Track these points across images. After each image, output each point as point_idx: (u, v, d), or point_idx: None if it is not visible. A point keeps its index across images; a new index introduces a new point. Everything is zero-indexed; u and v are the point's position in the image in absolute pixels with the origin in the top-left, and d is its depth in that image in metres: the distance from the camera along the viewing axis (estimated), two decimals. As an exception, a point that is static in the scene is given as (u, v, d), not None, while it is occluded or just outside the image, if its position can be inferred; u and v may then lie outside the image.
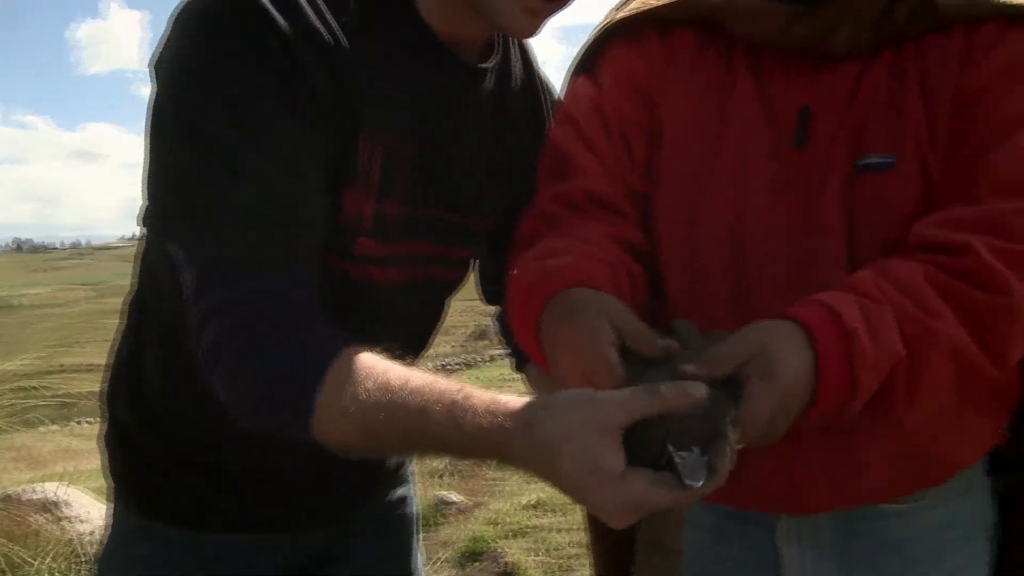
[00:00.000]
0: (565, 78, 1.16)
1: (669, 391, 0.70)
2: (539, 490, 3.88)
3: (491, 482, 4.20)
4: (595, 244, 0.95)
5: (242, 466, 1.04)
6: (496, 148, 1.07)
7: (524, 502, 3.80)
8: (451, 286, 1.13)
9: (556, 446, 0.68)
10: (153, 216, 0.85)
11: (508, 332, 1.21)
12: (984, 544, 1.06)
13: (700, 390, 0.70)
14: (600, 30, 1.09)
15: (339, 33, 0.85)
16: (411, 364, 0.81)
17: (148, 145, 0.84)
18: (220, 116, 0.79)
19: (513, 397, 0.74)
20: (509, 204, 1.07)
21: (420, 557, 1.29)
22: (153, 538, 1.06)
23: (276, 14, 0.79)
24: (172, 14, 0.85)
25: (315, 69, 0.82)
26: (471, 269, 1.16)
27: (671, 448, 0.69)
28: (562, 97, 1.14)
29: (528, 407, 0.72)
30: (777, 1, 0.95)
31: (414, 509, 1.29)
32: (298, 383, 0.77)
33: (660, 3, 1.04)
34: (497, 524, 3.54)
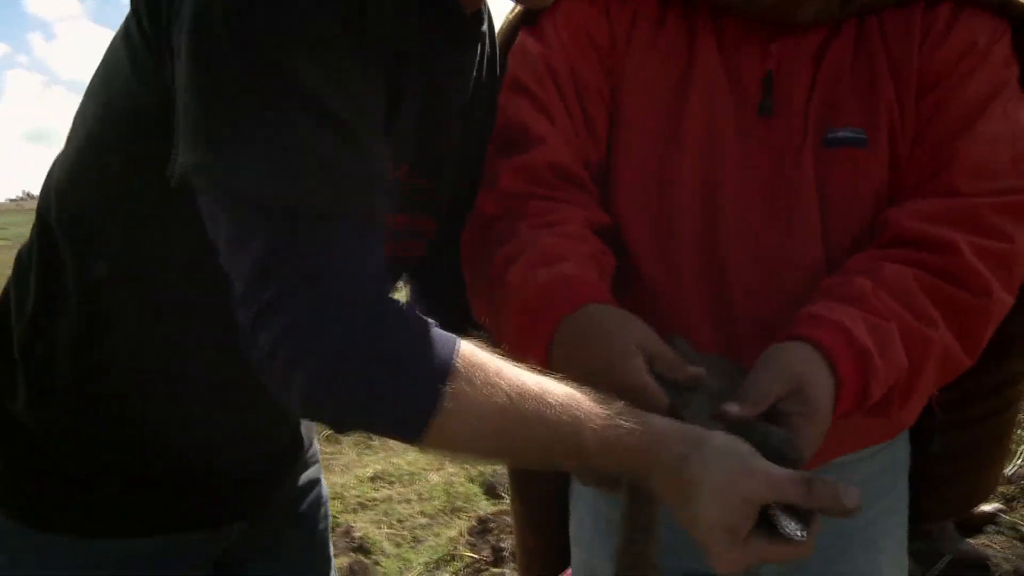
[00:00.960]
0: (505, 28, 1.09)
1: (823, 489, 0.70)
2: (377, 462, 3.83)
3: (327, 456, 4.10)
4: (581, 240, 0.94)
5: (158, 462, 0.92)
6: (471, 112, 1.00)
7: (364, 475, 3.74)
8: (412, 265, 1.03)
9: (700, 492, 0.69)
10: (197, 162, 0.67)
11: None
12: (904, 484, 1.15)
13: (853, 499, 0.71)
14: None
15: None
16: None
17: (189, 81, 0.67)
18: (300, 52, 0.66)
19: (661, 420, 0.74)
20: (465, 175, 1.02)
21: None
22: (52, 555, 0.92)
23: None
24: None
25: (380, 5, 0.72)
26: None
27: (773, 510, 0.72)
28: (502, 50, 1.08)
29: (683, 438, 0.72)
30: None
31: (324, 491, 1.23)
32: (421, 379, 0.66)
33: None
34: (342, 499, 3.46)
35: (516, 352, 0.93)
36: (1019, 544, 2.57)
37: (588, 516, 1.19)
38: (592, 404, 0.71)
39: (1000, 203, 0.91)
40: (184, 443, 0.91)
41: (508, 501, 3.46)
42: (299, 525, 1.17)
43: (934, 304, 0.88)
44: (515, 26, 1.08)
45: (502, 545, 2.90)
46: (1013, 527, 2.62)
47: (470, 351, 0.69)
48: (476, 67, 0.98)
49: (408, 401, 0.66)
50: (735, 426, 0.78)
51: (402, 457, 3.81)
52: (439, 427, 0.66)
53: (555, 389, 0.71)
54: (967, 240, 0.89)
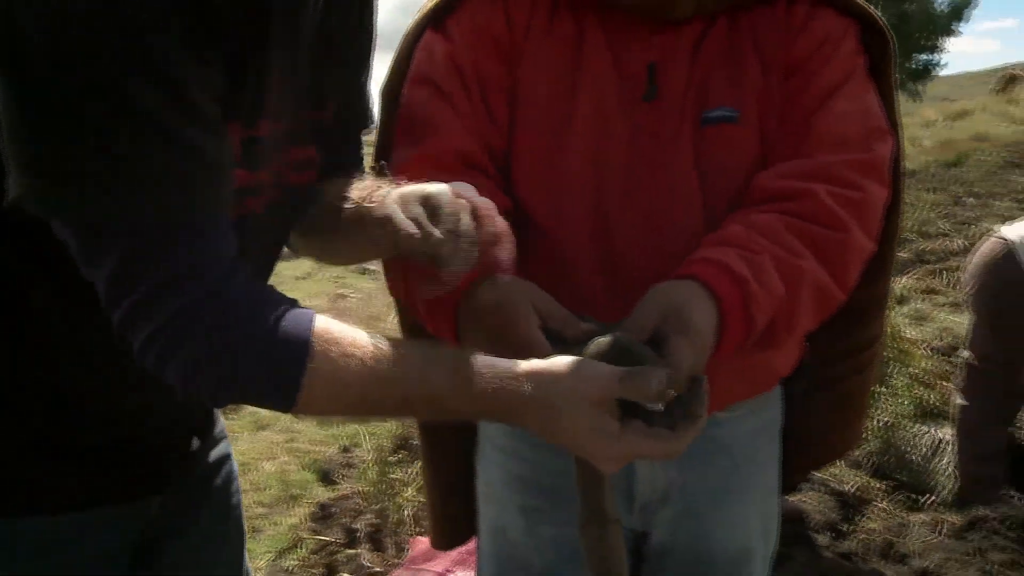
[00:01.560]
0: (411, 27, 1.16)
1: (634, 379, 0.76)
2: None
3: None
4: None
5: (76, 433, 0.88)
6: (328, 34, 0.97)
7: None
8: (302, 192, 1.01)
9: (556, 412, 0.75)
10: (33, 187, 0.66)
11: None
12: (777, 441, 1.27)
13: (661, 382, 0.76)
14: None
15: None
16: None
17: (9, 103, 0.64)
18: (124, 65, 0.64)
19: (509, 361, 0.78)
20: (340, 92, 1.02)
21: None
22: None
23: None
24: None
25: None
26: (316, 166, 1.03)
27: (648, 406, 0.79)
28: (407, 48, 1.14)
29: (530, 375, 0.76)
30: None
31: (234, 467, 1.20)
32: (282, 362, 0.71)
33: None
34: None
35: (429, 323, 1.04)
36: (829, 498, 2.82)
37: (497, 473, 1.23)
38: (445, 358, 0.77)
39: (851, 160, 1.04)
40: (101, 412, 0.89)
41: (343, 487, 3.43)
42: (213, 500, 1.14)
43: (800, 240, 0.98)
44: (422, 25, 1.14)
45: (355, 527, 2.84)
46: (823, 483, 2.87)
47: (324, 327, 0.74)
48: None
49: (272, 383, 0.72)
50: (617, 355, 0.83)
51: (234, 447, 3.66)
52: (306, 399, 0.73)
53: (410, 351, 0.77)
54: (824, 188, 1.01)
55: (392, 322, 1.74)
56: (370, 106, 1.11)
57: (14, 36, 0.63)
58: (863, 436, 1.47)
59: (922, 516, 2.72)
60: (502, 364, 0.77)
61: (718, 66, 1.07)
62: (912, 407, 3.32)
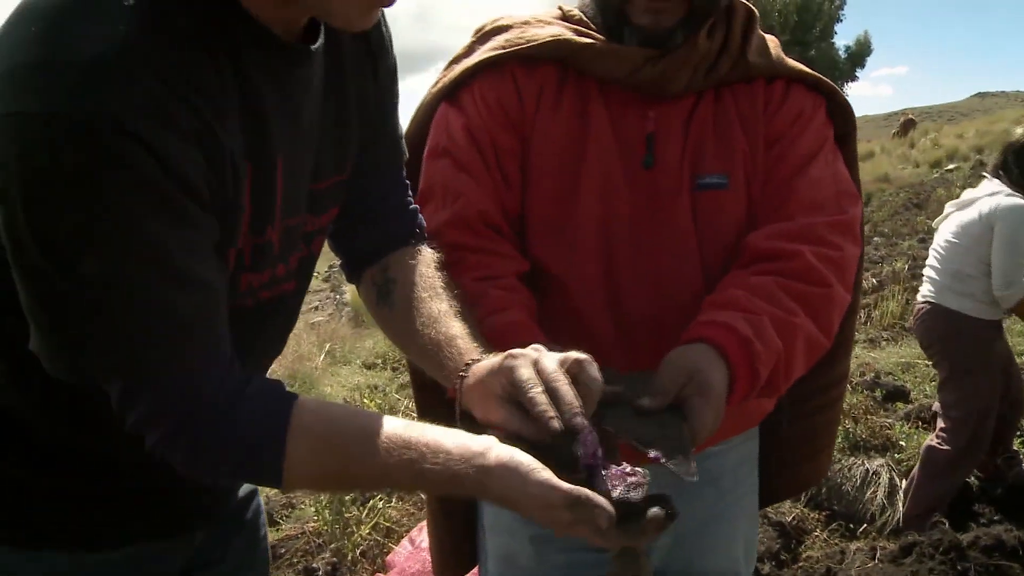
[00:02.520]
0: (427, 100, 1.26)
1: (582, 511, 0.78)
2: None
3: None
4: (516, 290, 1.14)
5: (121, 477, 0.96)
6: (332, 120, 1.01)
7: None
8: (312, 261, 1.06)
9: (511, 505, 0.80)
10: (44, 351, 0.77)
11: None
12: (756, 472, 1.38)
13: (603, 521, 0.78)
14: (470, 66, 1.20)
15: (193, 98, 0.74)
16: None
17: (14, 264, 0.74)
18: (105, 245, 0.71)
19: (462, 445, 0.81)
20: (350, 164, 1.06)
21: None
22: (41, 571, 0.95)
23: (123, 117, 0.68)
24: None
25: (177, 159, 0.73)
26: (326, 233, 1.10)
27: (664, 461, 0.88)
28: (424, 117, 1.25)
29: (477, 471, 0.80)
30: (629, 44, 1.15)
31: (260, 500, 1.26)
32: (261, 458, 0.81)
33: (527, 43, 1.18)
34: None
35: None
36: (770, 528, 2.95)
37: None
38: (404, 445, 0.82)
39: (830, 222, 1.17)
40: (151, 464, 0.91)
41: (286, 528, 3.39)
42: (243, 532, 1.21)
43: (792, 299, 1.10)
44: (438, 98, 1.23)
45: (314, 566, 2.82)
46: (764, 515, 3.00)
47: (298, 420, 0.82)
48: (328, 73, 0.98)
49: (257, 473, 0.84)
50: (646, 416, 0.93)
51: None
52: (290, 482, 0.83)
53: (376, 442, 0.82)
54: (809, 249, 1.13)
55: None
56: (400, 143, 1.15)
57: (19, 241, 0.71)
58: (828, 468, 1.58)
59: (859, 543, 2.88)
60: (456, 460, 0.80)
61: (708, 137, 1.19)
62: (842, 440, 3.50)
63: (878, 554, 2.77)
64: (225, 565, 1.14)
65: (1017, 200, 2.93)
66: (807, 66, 1.27)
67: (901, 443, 3.58)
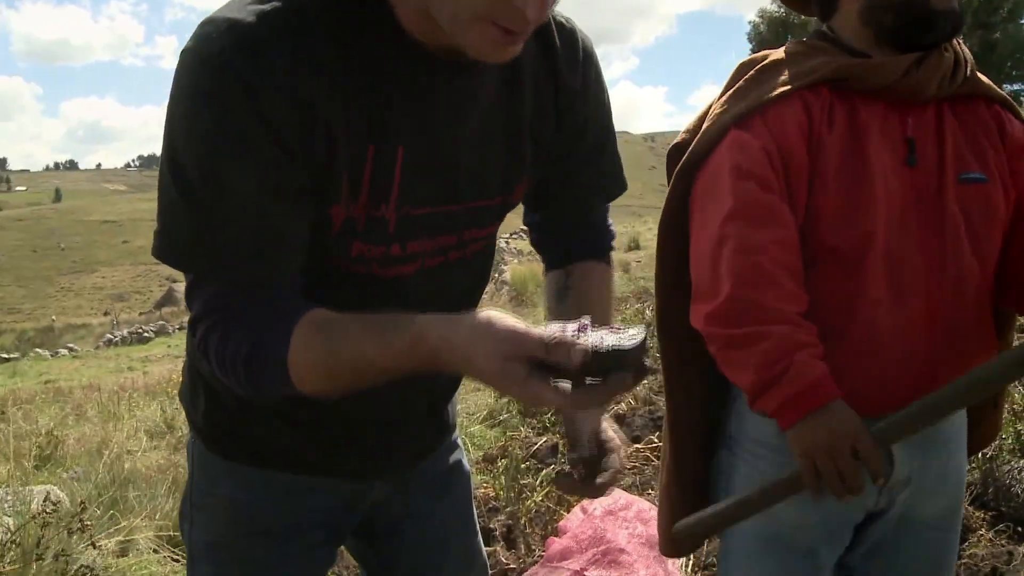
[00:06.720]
0: (714, 129, 1.40)
1: (557, 348, 0.79)
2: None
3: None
4: (807, 330, 1.29)
5: (319, 417, 1.17)
6: (503, 132, 1.08)
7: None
8: (482, 255, 1.19)
9: (472, 359, 0.82)
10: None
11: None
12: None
13: (577, 357, 0.78)
14: (767, 97, 1.36)
15: (309, 73, 0.89)
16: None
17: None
18: (193, 161, 0.88)
19: (425, 318, 0.86)
20: (527, 174, 1.13)
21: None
22: (237, 476, 1.23)
23: (246, 75, 0.85)
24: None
25: (282, 119, 0.88)
26: (495, 234, 1.21)
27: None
28: (711, 143, 1.39)
29: (443, 338, 0.85)
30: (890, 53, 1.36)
31: (466, 467, 1.46)
32: (271, 353, 0.91)
33: (817, 74, 1.36)
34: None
35: (757, 395, 1.30)
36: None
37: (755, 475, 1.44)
38: (374, 322, 0.89)
39: None
40: (339, 417, 1.18)
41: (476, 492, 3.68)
42: (446, 498, 1.40)
43: None
44: (726, 126, 1.39)
45: (491, 527, 3.10)
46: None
47: (297, 349, 0.90)
48: (502, 85, 1.05)
49: (275, 386, 0.93)
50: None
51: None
52: (303, 389, 0.93)
53: (355, 322, 0.90)
54: None
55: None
56: (609, 167, 1.25)
57: (172, 143, 0.89)
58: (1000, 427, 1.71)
59: (1027, 547, 2.86)
60: (418, 325, 0.86)
61: (960, 140, 1.38)
62: (1012, 441, 3.45)
63: (1049, 560, 2.76)
64: (430, 524, 1.37)
65: None
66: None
67: (1077, 447, 3.48)
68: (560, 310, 1.24)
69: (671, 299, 1.49)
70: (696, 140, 1.43)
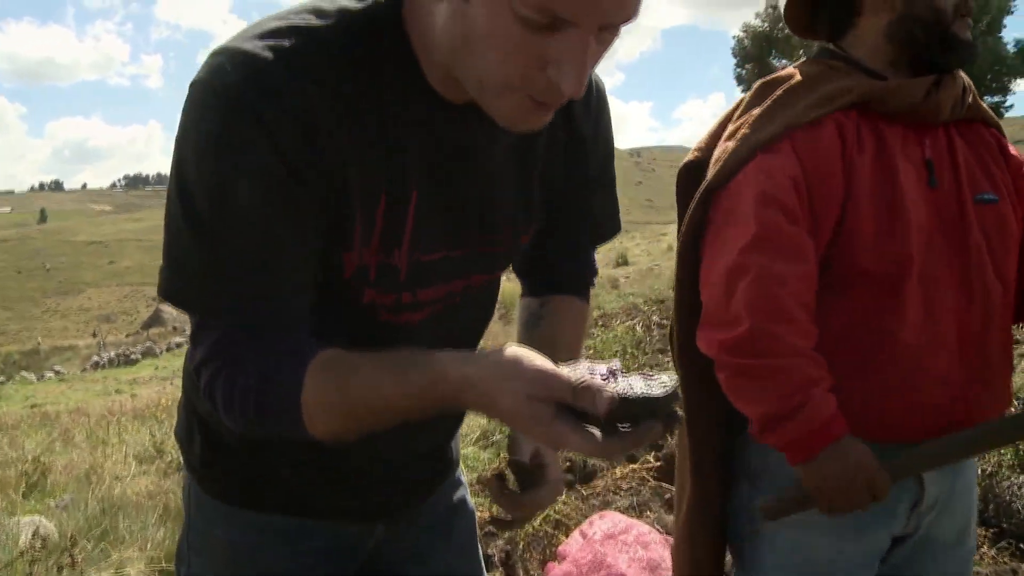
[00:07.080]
0: (741, 151, 1.37)
1: (583, 394, 0.76)
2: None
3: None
4: (820, 365, 1.29)
5: (320, 457, 1.11)
6: (515, 178, 1.07)
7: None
8: (487, 292, 1.18)
9: (495, 400, 0.79)
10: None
11: None
12: None
13: (603, 407, 0.75)
14: (799, 122, 1.34)
15: (324, 110, 0.86)
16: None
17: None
18: (203, 195, 0.85)
19: (445, 356, 0.83)
20: (535, 219, 1.12)
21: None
22: (234, 520, 1.19)
23: (260, 104, 0.82)
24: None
25: (297, 158, 0.85)
26: (501, 275, 1.19)
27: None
28: (735, 167, 1.36)
29: (465, 377, 0.81)
30: (911, 75, 1.38)
31: (471, 506, 1.41)
32: (283, 393, 0.87)
33: (849, 96, 1.35)
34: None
35: (769, 433, 1.30)
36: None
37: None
38: (393, 362, 0.85)
39: None
40: (338, 462, 1.14)
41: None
42: (451, 537, 1.36)
43: None
44: (753, 148, 1.36)
45: (489, 552, 3.05)
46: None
47: (310, 390, 0.86)
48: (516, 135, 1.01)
49: (285, 428, 0.89)
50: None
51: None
52: (314, 433, 0.89)
53: (369, 363, 0.86)
54: None
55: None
56: (602, 220, 1.23)
57: (181, 176, 0.86)
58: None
59: (1030, 564, 2.84)
60: (436, 365, 0.82)
61: (971, 162, 1.40)
62: (1011, 457, 3.44)
63: (1052, 577, 2.74)
64: (432, 565, 1.31)
65: None
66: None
67: (1077, 464, 3.47)
68: (527, 338, 1.21)
69: (693, 325, 1.43)
70: (719, 161, 1.40)
